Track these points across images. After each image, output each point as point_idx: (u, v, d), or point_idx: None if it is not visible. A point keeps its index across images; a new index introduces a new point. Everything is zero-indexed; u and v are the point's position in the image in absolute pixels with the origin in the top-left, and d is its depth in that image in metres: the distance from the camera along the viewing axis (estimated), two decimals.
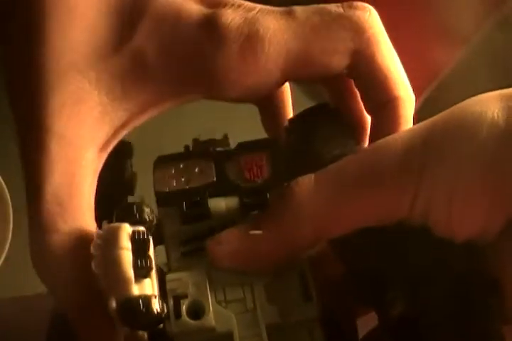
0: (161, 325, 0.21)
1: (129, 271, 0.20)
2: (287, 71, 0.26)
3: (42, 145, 0.24)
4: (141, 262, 0.21)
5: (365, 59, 0.28)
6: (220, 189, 0.25)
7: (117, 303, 0.20)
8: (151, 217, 0.22)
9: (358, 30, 0.27)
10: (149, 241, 0.21)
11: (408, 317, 0.22)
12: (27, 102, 0.25)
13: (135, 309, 0.20)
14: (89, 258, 0.21)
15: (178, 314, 0.22)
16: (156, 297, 0.21)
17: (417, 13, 0.73)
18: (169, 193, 0.25)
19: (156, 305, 0.20)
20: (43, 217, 0.23)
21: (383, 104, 0.28)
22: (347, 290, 0.26)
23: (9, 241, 0.58)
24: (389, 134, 0.25)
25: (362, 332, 0.26)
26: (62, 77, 0.24)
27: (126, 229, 0.21)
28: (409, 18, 0.74)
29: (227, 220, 0.24)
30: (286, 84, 0.31)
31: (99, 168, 0.25)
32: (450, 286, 0.22)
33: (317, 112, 0.27)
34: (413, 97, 0.30)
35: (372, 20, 0.28)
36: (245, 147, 0.26)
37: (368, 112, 0.29)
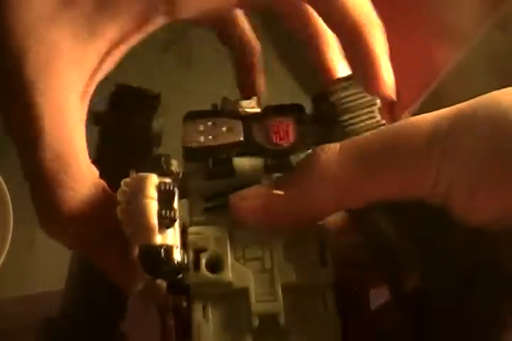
0: (180, 276, 0.22)
1: (154, 220, 0.21)
2: None
3: (30, 103, 0.24)
4: (165, 212, 0.21)
5: None
6: (246, 149, 0.25)
7: (140, 250, 0.21)
8: (177, 170, 0.23)
9: None
10: (175, 193, 0.22)
11: (419, 292, 0.23)
12: (6, 64, 0.25)
13: (156, 257, 0.20)
14: (99, 208, 0.23)
15: (196, 266, 0.22)
16: (177, 247, 0.21)
17: (417, 13, 0.73)
18: (196, 149, 0.25)
19: (176, 255, 0.21)
20: (47, 173, 0.24)
21: (347, 32, 0.28)
22: (362, 261, 0.27)
23: (9, 241, 0.58)
24: (362, 59, 0.27)
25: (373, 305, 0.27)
26: (33, 31, 0.25)
27: (154, 180, 0.22)
28: (409, 18, 0.74)
29: (250, 179, 0.24)
30: (241, 12, 0.35)
31: (85, 115, 0.26)
32: (460, 268, 0.22)
33: (346, 85, 0.27)
34: (379, 24, 0.31)
35: None
36: (274, 110, 0.26)
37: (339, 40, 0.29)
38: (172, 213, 0.21)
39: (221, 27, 0.36)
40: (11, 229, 0.59)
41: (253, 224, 0.24)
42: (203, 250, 0.23)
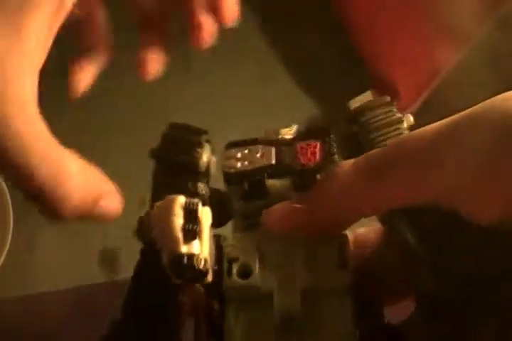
0: (214, 283, 0.25)
1: (178, 233, 0.24)
2: None
3: None
4: (188, 225, 0.24)
5: None
6: (278, 171, 0.28)
7: (168, 259, 0.24)
8: (203, 191, 0.28)
9: None
10: (198, 209, 0.25)
11: (439, 298, 0.25)
12: None
13: (181, 264, 0.24)
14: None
15: (229, 273, 0.26)
16: (199, 255, 0.24)
17: (417, 13, 0.73)
18: (234, 174, 0.29)
19: (200, 262, 0.24)
20: None
21: None
22: (383, 271, 0.29)
23: (9, 241, 0.58)
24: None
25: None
26: None
27: (180, 200, 0.25)
28: (409, 18, 0.74)
29: (281, 199, 0.27)
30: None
31: (50, 40, 0.27)
32: (477, 269, 0.24)
33: (377, 105, 0.30)
34: None
35: None
36: (302, 135, 0.29)
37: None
38: (195, 227, 0.25)
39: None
40: (11, 229, 0.59)
41: (279, 232, 0.27)
42: (235, 259, 0.26)
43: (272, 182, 0.28)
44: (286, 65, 0.93)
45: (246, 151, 0.29)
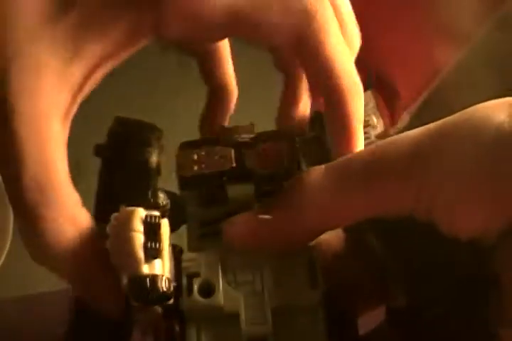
0: (172, 302, 0.23)
1: (139, 252, 0.22)
2: (229, 24, 0.26)
3: (11, 129, 0.24)
4: (151, 244, 0.22)
5: (311, 43, 0.28)
6: (238, 175, 0.26)
7: (128, 280, 0.22)
8: (164, 202, 0.24)
9: (308, 13, 0.27)
10: (160, 225, 0.23)
11: (410, 311, 0.23)
12: None
13: (142, 286, 0.22)
14: (81, 241, 0.23)
15: (190, 291, 0.23)
16: (163, 276, 0.22)
17: (417, 13, 0.73)
18: (190, 178, 0.26)
19: (162, 284, 0.22)
20: (28, 206, 0.24)
21: (328, 94, 0.28)
22: (353, 282, 0.27)
23: (9, 241, 0.58)
24: (337, 123, 0.27)
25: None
26: (18, 49, 0.24)
27: (140, 213, 0.23)
28: (409, 18, 0.74)
29: (243, 205, 0.25)
30: (227, 44, 0.34)
31: (66, 138, 0.26)
32: (452, 282, 0.23)
33: None
34: (360, 90, 0.29)
35: (323, 9, 0.28)
36: (265, 137, 0.27)
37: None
38: (158, 244, 0.23)
39: (203, 59, 0.35)
40: (11, 229, 0.59)
41: (242, 248, 0.24)
42: (196, 275, 0.24)
43: (232, 188, 0.26)
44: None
45: (203, 153, 0.26)
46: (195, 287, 0.24)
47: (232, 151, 0.26)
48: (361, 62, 0.80)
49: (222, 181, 0.26)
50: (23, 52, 0.24)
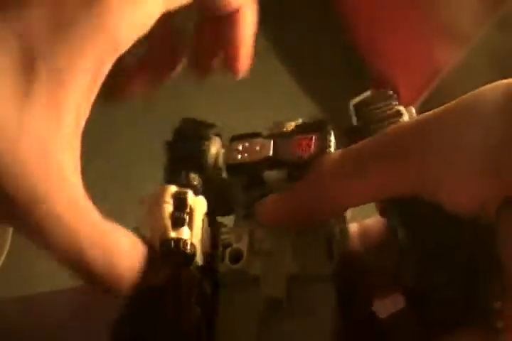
0: (210, 267, 0.27)
1: (167, 220, 0.26)
2: None
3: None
4: (178, 214, 0.27)
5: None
6: (274, 163, 0.30)
7: (158, 244, 0.26)
8: (196, 182, 0.29)
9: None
10: (186, 199, 0.27)
11: (422, 294, 0.25)
12: None
13: (168, 247, 0.26)
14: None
15: (223, 259, 0.28)
16: (187, 240, 0.26)
17: (417, 13, 0.73)
18: (234, 165, 0.30)
19: (187, 246, 0.26)
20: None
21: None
22: (378, 261, 0.29)
23: (9, 241, 0.58)
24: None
25: None
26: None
27: (171, 189, 0.28)
28: (409, 18, 0.74)
29: (277, 189, 0.29)
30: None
31: (87, 111, 0.26)
32: (458, 263, 0.24)
33: (377, 98, 0.31)
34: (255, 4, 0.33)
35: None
36: (301, 128, 0.30)
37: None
38: (184, 215, 0.27)
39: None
40: (11, 229, 0.59)
41: (270, 224, 0.28)
42: (229, 245, 0.28)
43: (269, 174, 0.30)
44: (286, 64, 0.93)
45: (247, 144, 0.30)
46: (227, 255, 0.28)
47: (271, 142, 0.30)
48: (362, 62, 0.80)
49: (260, 168, 0.30)
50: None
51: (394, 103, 0.30)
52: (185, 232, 0.26)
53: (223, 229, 0.29)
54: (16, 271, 0.62)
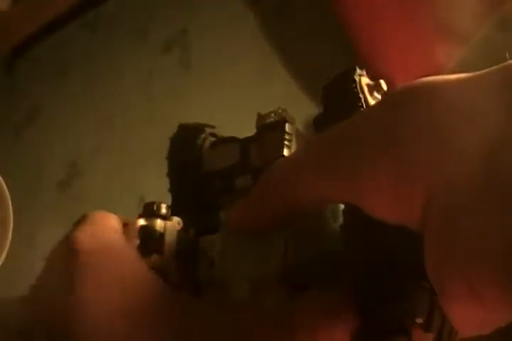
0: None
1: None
2: None
3: None
4: (144, 245, 0.28)
5: None
6: (242, 168, 0.29)
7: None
8: (164, 210, 0.29)
9: None
10: (153, 229, 0.28)
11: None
12: None
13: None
14: None
15: (203, 264, 0.28)
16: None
17: (417, 13, 0.73)
18: (209, 173, 0.30)
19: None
20: None
21: None
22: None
23: (9, 240, 0.58)
24: None
25: None
26: None
27: (137, 224, 0.28)
28: (409, 18, 0.74)
29: (246, 194, 0.28)
30: None
31: None
32: (386, 266, 0.24)
33: (344, 82, 0.28)
34: None
35: None
36: (263, 130, 0.30)
37: None
38: (151, 244, 0.28)
39: None
40: (11, 229, 0.59)
41: (235, 230, 0.27)
42: (205, 253, 0.29)
43: (240, 179, 0.29)
44: (286, 64, 0.93)
45: (220, 150, 0.30)
46: (203, 262, 0.28)
47: (239, 147, 0.29)
48: (362, 62, 0.80)
49: (229, 174, 0.29)
50: None
51: (355, 89, 0.27)
52: (154, 259, 0.28)
53: (202, 238, 0.29)
54: (16, 271, 0.62)
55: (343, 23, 0.80)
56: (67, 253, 0.25)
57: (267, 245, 0.27)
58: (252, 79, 0.94)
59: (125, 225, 0.28)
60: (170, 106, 0.97)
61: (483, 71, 0.23)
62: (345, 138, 0.23)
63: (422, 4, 0.73)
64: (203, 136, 0.31)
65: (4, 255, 0.58)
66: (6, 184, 0.61)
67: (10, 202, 0.60)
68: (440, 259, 0.20)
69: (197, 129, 0.31)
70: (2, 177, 0.61)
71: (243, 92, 0.91)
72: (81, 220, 0.27)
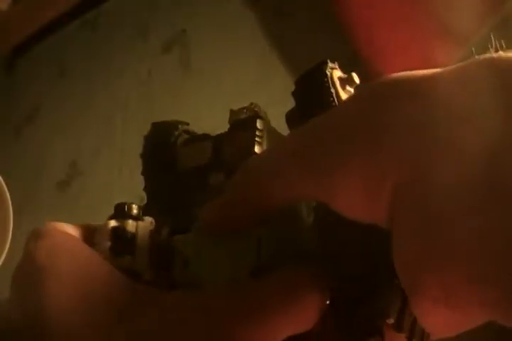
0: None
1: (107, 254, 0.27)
2: None
3: None
4: (115, 246, 0.28)
5: None
6: (214, 166, 0.29)
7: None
8: (135, 210, 0.29)
9: None
10: (124, 230, 0.28)
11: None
12: None
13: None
14: None
15: (179, 265, 0.28)
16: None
17: (417, 13, 0.73)
18: (183, 170, 0.30)
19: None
20: None
21: None
22: None
23: (9, 241, 0.58)
24: None
25: None
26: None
27: (108, 226, 0.28)
28: (409, 19, 0.74)
29: (219, 192, 0.28)
30: None
31: None
32: (362, 267, 0.24)
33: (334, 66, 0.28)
34: None
35: None
36: (234, 126, 0.29)
37: None
38: (122, 245, 0.28)
39: None
40: (11, 229, 0.59)
41: (208, 229, 0.27)
42: (180, 252, 0.29)
43: (213, 176, 0.29)
44: (286, 64, 0.93)
45: (195, 148, 0.30)
46: (178, 262, 0.28)
47: (211, 145, 0.29)
48: (362, 62, 0.80)
49: (203, 172, 0.29)
50: None
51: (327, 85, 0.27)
52: (125, 259, 0.28)
53: (176, 237, 0.29)
54: None
55: (343, 23, 0.80)
56: (29, 270, 0.25)
57: (240, 244, 0.27)
58: (252, 79, 0.94)
59: (92, 229, 0.28)
60: (170, 106, 0.97)
61: (464, 64, 0.22)
62: (318, 134, 0.22)
63: (421, 4, 0.73)
64: (177, 133, 0.31)
65: (4, 255, 0.58)
66: (6, 184, 0.61)
67: (10, 202, 0.60)
68: (412, 258, 0.20)
69: (170, 126, 0.32)
70: (2, 177, 0.61)
71: (243, 92, 0.91)
72: (34, 235, 0.26)
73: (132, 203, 0.29)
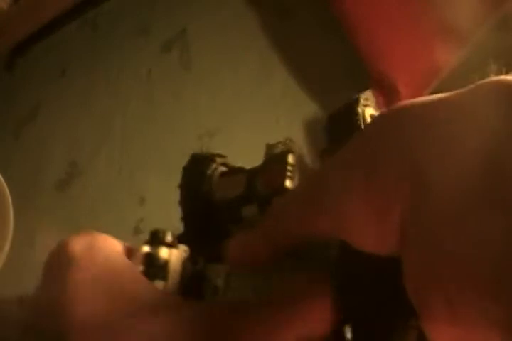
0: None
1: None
2: None
3: None
4: (148, 271, 0.28)
5: None
6: (248, 199, 0.30)
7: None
8: (169, 237, 0.30)
9: None
10: (157, 255, 0.29)
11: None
12: None
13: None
14: None
15: (209, 292, 0.29)
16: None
17: (417, 13, 0.73)
18: (216, 202, 0.31)
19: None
20: None
21: None
22: None
23: (9, 241, 0.58)
24: None
25: None
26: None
27: (142, 251, 0.29)
28: (409, 19, 0.74)
29: (251, 225, 0.29)
30: None
31: None
32: (374, 290, 0.24)
33: (366, 102, 0.28)
34: None
35: None
36: (268, 161, 0.31)
37: None
38: (154, 270, 0.29)
39: None
40: (11, 229, 0.59)
41: (233, 263, 0.28)
42: (211, 280, 0.30)
43: (247, 209, 0.30)
44: (286, 64, 0.93)
45: (230, 180, 0.31)
46: (208, 289, 0.29)
47: (245, 178, 0.31)
48: (362, 62, 0.80)
49: (236, 204, 0.30)
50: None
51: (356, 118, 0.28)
52: (157, 285, 0.28)
53: (209, 266, 0.30)
54: (15, 271, 0.62)
55: (343, 23, 0.80)
56: (62, 258, 0.26)
57: (267, 277, 0.28)
58: (252, 79, 0.94)
59: (129, 250, 0.29)
60: (170, 105, 0.97)
61: (471, 87, 0.22)
62: (329, 172, 0.23)
63: (421, 4, 0.73)
64: (214, 165, 0.33)
65: (4, 255, 0.58)
66: (6, 184, 0.61)
67: (10, 202, 0.60)
68: (420, 278, 0.20)
69: (208, 159, 0.33)
70: (2, 177, 0.61)
71: (243, 92, 0.91)
72: (76, 233, 0.27)
73: (167, 230, 0.30)
